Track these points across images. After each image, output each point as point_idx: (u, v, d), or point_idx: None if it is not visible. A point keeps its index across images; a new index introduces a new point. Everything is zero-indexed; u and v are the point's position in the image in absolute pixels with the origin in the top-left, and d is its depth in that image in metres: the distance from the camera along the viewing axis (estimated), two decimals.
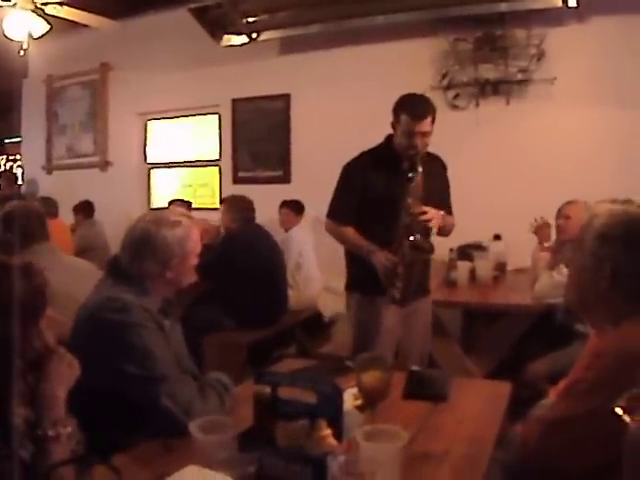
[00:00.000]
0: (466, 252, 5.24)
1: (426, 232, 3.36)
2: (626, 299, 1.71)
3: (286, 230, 6.13)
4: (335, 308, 6.03)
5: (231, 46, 6.75)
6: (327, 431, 1.65)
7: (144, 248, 2.29)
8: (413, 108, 3.36)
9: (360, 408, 2.04)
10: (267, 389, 1.80)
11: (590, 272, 1.76)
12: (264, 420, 1.78)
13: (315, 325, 5.84)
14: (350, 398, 2.10)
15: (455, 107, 6.03)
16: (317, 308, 5.87)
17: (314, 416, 1.67)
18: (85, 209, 7.28)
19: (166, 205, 6.75)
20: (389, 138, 3.53)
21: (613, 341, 1.68)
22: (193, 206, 6.94)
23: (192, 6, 6.38)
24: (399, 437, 1.63)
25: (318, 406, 1.70)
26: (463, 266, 4.89)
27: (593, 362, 1.71)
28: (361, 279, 3.54)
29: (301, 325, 5.67)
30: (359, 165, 3.56)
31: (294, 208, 6.24)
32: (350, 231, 3.51)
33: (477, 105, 5.98)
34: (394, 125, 3.43)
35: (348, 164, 3.62)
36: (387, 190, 3.40)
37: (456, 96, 6.03)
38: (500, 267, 5.13)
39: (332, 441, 1.65)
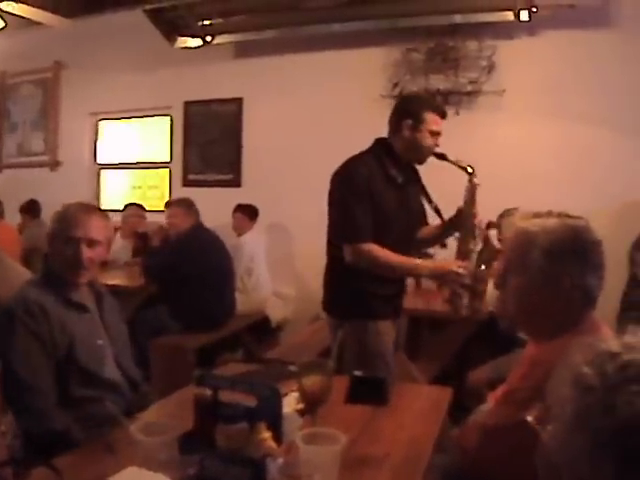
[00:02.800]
0: None
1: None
2: (567, 311, 1.75)
3: (239, 234, 6.13)
4: (283, 313, 6.07)
5: (185, 48, 6.73)
6: (267, 434, 1.67)
7: (55, 227, 2.52)
8: (438, 107, 3.33)
9: (301, 412, 2.07)
10: (208, 392, 1.82)
11: (540, 289, 1.77)
12: (205, 423, 1.79)
13: (263, 330, 5.85)
14: (292, 402, 2.13)
15: None
16: (265, 313, 5.88)
17: (254, 419, 1.69)
18: (31, 209, 7.17)
19: (120, 208, 6.74)
20: (384, 143, 3.35)
21: (551, 352, 1.67)
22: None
23: (147, 7, 6.34)
24: (338, 440, 1.67)
25: (258, 409, 1.73)
26: None
27: (530, 371, 1.75)
28: (383, 303, 3.26)
29: (249, 329, 5.68)
30: (368, 175, 3.20)
31: (248, 213, 6.23)
32: (386, 250, 3.13)
33: None
34: (411, 127, 3.22)
35: (355, 176, 3.22)
36: (401, 201, 3.28)
37: None
38: None
39: (272, 444, 1.67)
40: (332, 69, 6.37)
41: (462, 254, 3.21)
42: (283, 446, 1.76)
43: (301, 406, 2.08)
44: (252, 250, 5.94)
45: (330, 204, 3.36)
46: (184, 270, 4.90)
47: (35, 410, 2.25)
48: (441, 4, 5.80)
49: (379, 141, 3.39)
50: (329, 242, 3.46)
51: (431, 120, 3.23)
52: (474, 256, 3.15)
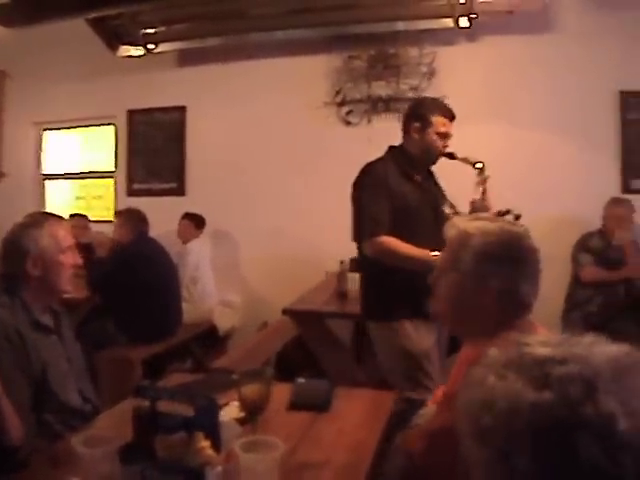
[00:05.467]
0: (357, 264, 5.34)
1: None
2: (503, 314, 1.77)
3: (184, 242, 6.10)
4: (230, 322, 6.06)
5: (128, 57, 6.68)
6: (205, 443, 1.68)
7: (10, 250, 2.38)
8: (447, 109, 3.43)
9: (242, 420, 2.10)
10: (146, 403, 1.83)
11: (471, 290, 1.80)
12: (144, 433, 1.79)
13: (211, 339, 5.84)
14: (234, 411, 2.15)
15: (348, 123, 6.17)
16: (212, 322, 5.87)
17: (192, 429, 1.70)
18: None
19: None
20: (398, 148, 3.49)
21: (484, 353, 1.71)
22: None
23: (90, 16, 6.29)
24: (277, 448, 1.69)
25: (195, 419, 1.74)
26: (354, 277, 4.93)
27: (466, 373, 1.78)
28: (412, 300, 3.15)
29: (197, 339, 5.65)
30: (385, 175, 3.33)
31: (194, 221, 6.21)
32: (404, 243, 3.19)
33: (369, 121, 6.12)
34: (419, 129, 3.38)
35: (371, 174, 3.38)
36: (423, 198, 3.39)
37: (349, 112, 6.16)
38: None
39: (210, 452, 1.68)
40: (275, 77, 6.39)
41: None
42: (222, 454, 1.77)
43: (242, 414, 2.10)
44: (197, 258, 5.92)
45: (353, 204, 3.44)
46: (129, 281, 4.86)
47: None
48: (382, 12, 5.86)
49: (393, 147, 3.52)
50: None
51: (438, 122, 3.36)
52: None
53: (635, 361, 0.88)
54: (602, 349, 0.90)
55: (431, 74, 5.93)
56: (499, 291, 1.76)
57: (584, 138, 5.72)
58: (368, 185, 3.33)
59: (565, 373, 0.85)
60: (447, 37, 5.91)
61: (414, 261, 3.10)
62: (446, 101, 5.71)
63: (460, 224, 1.90)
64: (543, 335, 1.12)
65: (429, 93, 5.83)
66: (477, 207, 3.38)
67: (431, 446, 1.70)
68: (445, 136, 3.39)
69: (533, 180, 5.63)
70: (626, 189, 5.66)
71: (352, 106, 6.15)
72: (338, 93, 6.14)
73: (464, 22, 5.56)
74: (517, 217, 3.23)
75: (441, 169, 3.63)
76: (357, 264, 3.63)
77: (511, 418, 0.86)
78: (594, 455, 0.78)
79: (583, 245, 5.18)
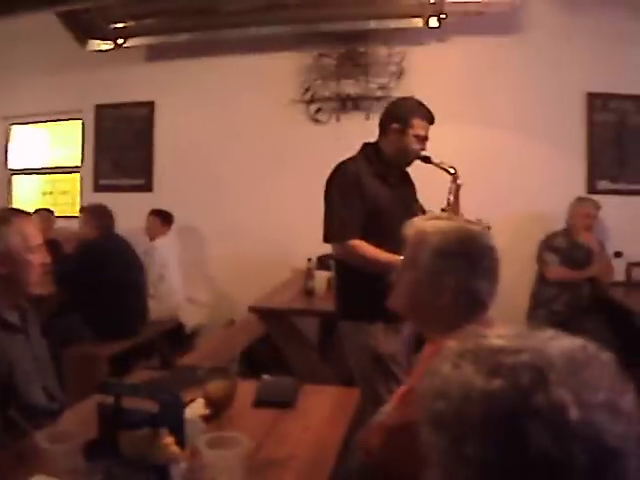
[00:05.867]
0: (325, 262, 5.35)
1: None
2: (461, 311, 1.77)
3: (151, 239, 6.04)
4: (197, 319, 6.04)
5: (97, 51, 6.60)
6: (169, 439, 1.68)
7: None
8: (427, 112, 3.35)
9: (207, 417, 2.10)
10: (110, 399, 1.83)
11: (428, 288, 1.81)
12: (108, 430, 1.78)
13: (177, 336, 5.81)
14: (199, 407, 2.16)
15: (317, 121, 6.16)
16: (179, 319, 5.85)
17: (156, 425, 1.70)
18: None
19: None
20: (373, 146, 3.41)
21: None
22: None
23: (59, 10, 6.22)
24: (241, 444, 1.70)
25: (159, 415, 1.73)
26: (321, 275, 4.96)
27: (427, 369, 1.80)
28: (383, 302, 3.10)
29: (163, 336, 5.62)
30: (358, 176, 3.24)
31: (162, 218, 6.14)
32: (373, 247, 3.17)
33: (338, 119, 6.13)
34: (398, 131, 3.30)
35: (343, 174, 3.29)
36: (396, 199, 3.31)
37: (318, 110, 6.15)
38: None
39: (175, 449, 1.68)
40: (245, 73, 6.38)
41: None
42: (186, 451, 1.77)
43: (207, 411, 2.11)
44: (164, 255, 5.87)
45: (325, 203, 3.35)
46: (94, 277, 4.82)
47: None
48: (353, 10, 5.86)
49: (368, 145, 3.44)
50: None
51: (419, 125, 3.30)
52: None
53: (590, 355, 0.89)
54: (558, 342, 0.91)
55: (400, 73, 5.95)
56: (456, 289, 1.78)
57: (551, 138, 5.79)
58: (340, 185, 3.25)
59: (517, 362, 0.86)
60: (417, 37, 5.94)
61: (382, 265, 3.02)
62: None
63: (418, 223, 1.93)
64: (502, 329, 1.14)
65: (398, 92, 5.84)
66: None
67: (388, 441, 1.71)
68: (423, 139, 3.35)
69: (500, 179, 5.69)
70: (591, 189, 5.75)
71: (321, 104, 6.15)
72: (307, 91, 6.13)
73: (434, 22, 5.58)
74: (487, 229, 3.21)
75: (416, 172, 3.61)
76: (334, 264, 3.59)
77: (463, 405, 0.87)
78: (544, 443, 0.80)
79: (548, 244, 5.24)
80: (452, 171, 3.41)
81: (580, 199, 5.38)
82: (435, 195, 3.46)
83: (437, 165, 3.40)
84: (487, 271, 1.80)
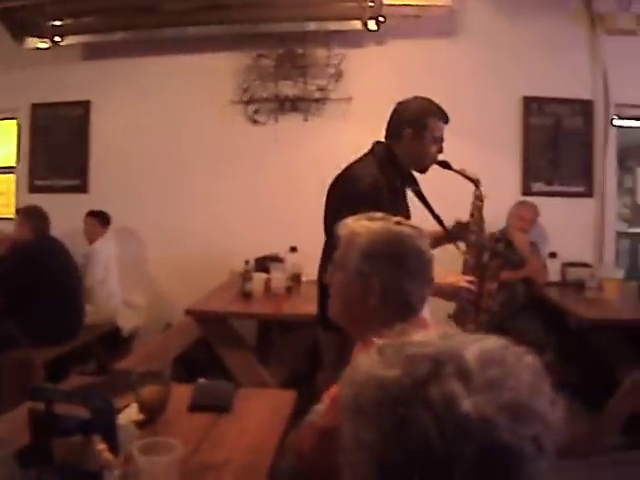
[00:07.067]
0: (263, 264, 5.35)
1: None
2: (393, 313, 1.77)
3: (90, 241, 5.94)
4: (134, 322, 5.97)
5: (34, 49, 6.47)
6: (102, 446, 1.66)
7: None
8: (441, 111, 3.11)
9: (142, 422, 2.07)
10: (41, 405, 1.79)
11: (356, 289, 1.82)
12: (41, 436, 1.76)
13: (114, 340, 5.73)
14: (134, 413, 2.13)
15: (255, 122, 6.13)
16: (116, 323, 5.76)
17: (88, 431, 1.68)
18: None
19: None
20: (386, 149, 3.08)
21: None
22: None
23: None
24: (175, 449, 1.69)
25: (92, 421, 1.71)
26: (258, 277, 4.95)
27: None
28: None
29: (100, 340, 5.54)
30: (376, 191, 2.81)
31: (100, 219, 6.04)
32: None
33: (276, 120, 6.11)
34: (413, 135, 3.03)
35: (361, 188, 2.80)
36: (397, 205, 2.97)
37: (256, 111, 6.13)
38: (295, 278, 5.22)
39: (108, 455, 1.66)
40: (183, 73, 6.32)
41: (471, 268, 3.04)
42: (120, 457, 1.74)
43: (141, 416, 2.08)
44: (105, 258, 5.80)
45: (328, 212, 2.99)
46: (28, 281, 4.73)
47: None
48: (292, 11, 5.86)
49: (380, 145, 3.13)
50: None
51: (437, 127, 3.09)
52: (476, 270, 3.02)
53: (507, 355, 0.90)
54: (479, 343, 0.92)
55: (338, 75, 5.97)
56: (383, 290, 1.78)
57: (488, 141, 5.88)
58: (354, 197, 2.76)
59: (418, 353, 0.89)
60: (355, 39, 5.97)
61: None
62: (352, 103, 5.88)
63: (350, 223, 1.92)
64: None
65: (336, 94, 5.90)
66: (472, 227, 3.19)
67: (320, 444, 1.70)
68: (440, 140, 3.12)
69: (436, 182, 5.72)
70: (526, 191, 5.88)
71: (259, 105, 6.12)
72: (245, 91, 6.10)
73: (372, 25, 5.63)
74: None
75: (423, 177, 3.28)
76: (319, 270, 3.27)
77: (361, 391, 0.90)
78: (427, 432, 0.81)
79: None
80: (476, 179, 3.19)
81: (521, 202, 5.51)
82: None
83: (458, 172, 3.19)
84: (415, 273, 1.81)
